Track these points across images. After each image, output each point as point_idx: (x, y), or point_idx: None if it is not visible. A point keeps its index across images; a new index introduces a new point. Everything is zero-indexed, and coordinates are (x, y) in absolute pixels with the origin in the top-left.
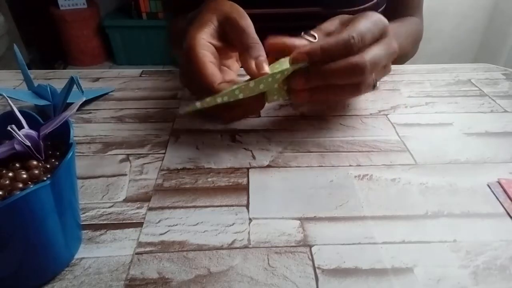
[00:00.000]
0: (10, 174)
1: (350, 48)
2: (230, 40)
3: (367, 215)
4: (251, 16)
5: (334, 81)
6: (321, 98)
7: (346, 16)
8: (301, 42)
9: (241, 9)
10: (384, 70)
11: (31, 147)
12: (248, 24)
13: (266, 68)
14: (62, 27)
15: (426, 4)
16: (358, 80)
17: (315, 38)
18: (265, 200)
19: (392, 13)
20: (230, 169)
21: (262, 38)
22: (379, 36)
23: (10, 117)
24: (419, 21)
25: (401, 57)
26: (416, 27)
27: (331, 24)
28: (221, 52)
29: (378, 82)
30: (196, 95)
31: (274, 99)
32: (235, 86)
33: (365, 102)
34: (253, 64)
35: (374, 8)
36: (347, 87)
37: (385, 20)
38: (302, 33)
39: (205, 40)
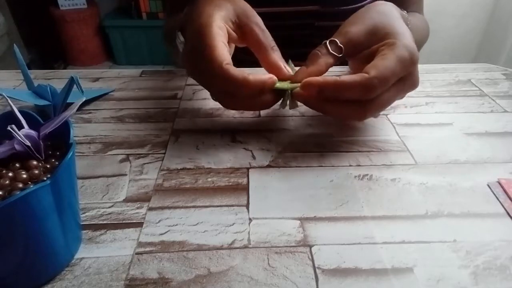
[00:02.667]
0: (10, 174)
1: (369, 92)
2: (242, 34)
3: (367, 215)
4: None
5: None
6: (316, 109)
7: (375, 22)
8: (319, 64)
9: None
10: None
11: (31, 147)
12: (263, 24)
13: (291, 72)
14: (62, 27)
15: (426, 3)
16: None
17: (341, 51)
18: (265, 200)
19: None
20: (230, 169)
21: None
22: (404, 75)
23: (10, 117)
24: (424, 18)
25: None
26: (424, 24)
27: (359, 31)
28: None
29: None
30: (197, 76)
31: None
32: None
33: None
34: (282, 65)
35: None
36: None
37: (414, 49)
38: (327, 42)
39: (221, 22)
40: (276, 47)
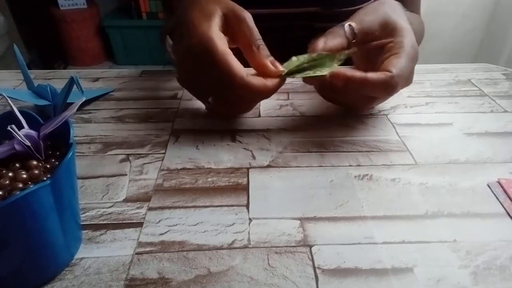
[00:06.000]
0: (10, 174)
1: (392, 90)
2: (233, 35)
3: (367, 215)
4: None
5: (367, 93)
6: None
7: (387, 16)
8: (336, 40)
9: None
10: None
11: (31, 147)
12: (252, 21)
13: (280, 67)
14: (62, 27)
15: (426, 4)
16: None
17: (355, 36)
18: (265, 200)
19: None
20: (230, 169)
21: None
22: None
23: (10, 117)
24: (421, 19)
25: None
26: (421, 25)
27: (373, 21)
28: None
29: None
30: (204, 95)
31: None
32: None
33: None
34: (269, 63)
35: None
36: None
37: (417, 48)
38: (346, 25)
39: (219, 31)
40: (262, 45)
